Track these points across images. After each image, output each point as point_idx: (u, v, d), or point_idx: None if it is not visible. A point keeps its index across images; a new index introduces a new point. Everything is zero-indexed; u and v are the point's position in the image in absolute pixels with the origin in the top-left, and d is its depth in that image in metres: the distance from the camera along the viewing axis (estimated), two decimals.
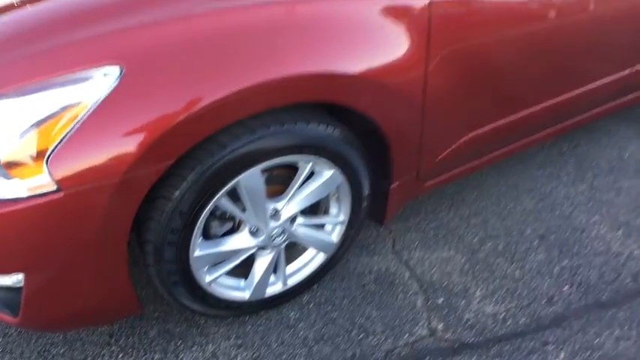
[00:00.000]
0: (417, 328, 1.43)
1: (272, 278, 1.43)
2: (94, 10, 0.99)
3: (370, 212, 1.57)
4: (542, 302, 1.53)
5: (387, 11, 1.17)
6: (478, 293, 1.55)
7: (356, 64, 1.14)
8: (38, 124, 0.92)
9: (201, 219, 1.15)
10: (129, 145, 0.95)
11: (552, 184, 2.06)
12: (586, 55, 1.67)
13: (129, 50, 0.95)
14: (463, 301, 1.52)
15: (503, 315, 1.48)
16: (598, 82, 1.84)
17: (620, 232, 1.82)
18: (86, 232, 1.01)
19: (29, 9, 1.07)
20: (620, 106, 2.13)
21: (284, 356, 1.35)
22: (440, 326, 1.44)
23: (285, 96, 1.08)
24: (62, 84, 0.92)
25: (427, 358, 1.35)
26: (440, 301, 1.52)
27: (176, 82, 0.97)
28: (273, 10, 1.06)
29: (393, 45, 1.19)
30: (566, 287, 1.59)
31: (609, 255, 1.72)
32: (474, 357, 1.34)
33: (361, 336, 1.41)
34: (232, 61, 1.00)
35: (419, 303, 1.52)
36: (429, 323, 1.45)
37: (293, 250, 1.48)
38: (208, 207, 1.14)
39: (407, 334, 1.41)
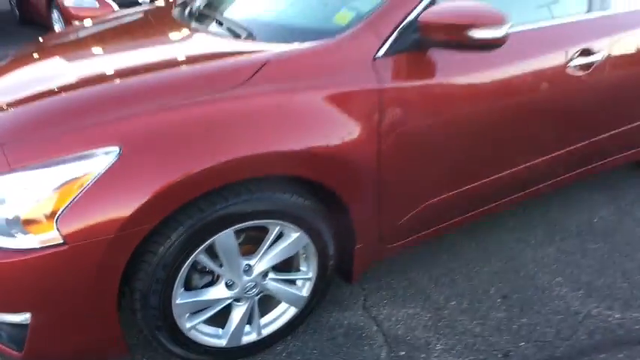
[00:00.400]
0: None
1: (247, 328, 1.61)
2: (101, 101, 1.28)
3: (339, 271, 1.75)
4: (499, 356, 1.65)
5: (342, 98, 1.43)
6: (438, 347, 1.68)
7: (313, 143, 1.39)
8: (53, 190, 1.17)
9: (182, 271, 1.36)
10: (122, 209, 1.19)
11: (520, 246, 2.22)
12: (538, 130, 1.90)
13: (126, 134, 1.22)
14: (423, 355, 1.65)
15: None
16: (552, 154, 2.05)
17: (581, 291, 1.95)
18: (84, 280, 1.23)
19: (56, 97, 1.36)
20: (581, 175, 2.32)
21: None
22: None
23: (251, 170, 1.33)
24: (73, 160, 1.18)
25: None
26: (402, 353, 1.66)
27: (163, 160, 1.22)
28: (246, 101, 1.33)
29: (348, 126, 1.44)
30: (523, 343, 1.71)
31: (568, 313, 1.84)
32: None
33: None
34: (208, 142, 1.26)
35: (383, 355, 1.65)
36: None
37: (268, 302, 1.66)
38: (188, 261, 1.35)
39: None
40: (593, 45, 1.92)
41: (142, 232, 1.24)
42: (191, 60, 1.49)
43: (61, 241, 1.18)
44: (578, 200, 2.60)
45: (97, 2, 5.46)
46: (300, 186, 1.49)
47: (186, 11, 2.04)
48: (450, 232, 2.11)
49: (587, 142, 2.14)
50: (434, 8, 1.46)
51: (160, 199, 1.22)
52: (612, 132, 2.19)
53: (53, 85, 1.44)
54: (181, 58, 1.52)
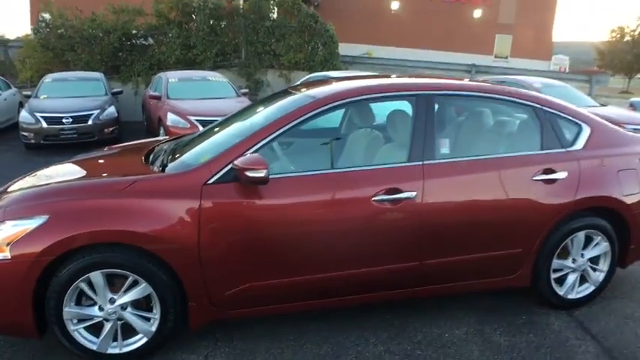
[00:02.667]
0: None
1: (115, 343, 2.51)
2: (51, 192, 2.47)
3: (184, 319, 2.58)
4: None
5: (179, 205, 2.41)
6: None
7: (153, 229, 2.36)
8: (12, 233, 2.33)
9: (69, 290, 2.36)
10: (38, 247, 2.29)
11: (359, 341, 2.77)
12: (339, 246, 2.59)
13: (53, 210, 2.35)
14: None
15: None
16: (365, 270, 2.66)
17: None
18: (17, 280, 2.30)
19: (42, 187, 2.58)
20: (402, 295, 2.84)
21: None
22: None
23: (111, 237, 2.35)
24: (25, 219, 2.34)
25: None
26: None
27: (65, 226, 2.31)
28: (117, 200, 2.39)
29: (179, 223, 2.39)
30: None
31: None
32: None
33: None
34: (90, 219, 2.33)
35: None
36: None
37: (132, 331, 2.54)
38: (73, 285, 2.36)
39: None
40: (402, 185, 2.62)
41: (46, 261, 2.30)
42: (114, 175, 2.66)
43: (9, 257, 2.30)
44: (448, 316, 3.03)
45: (188, 124, 7.36)
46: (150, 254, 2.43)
47: (157, 149, 3.26)
48: (295, 311, 2.80)
49: (394, 265, 2.70)
50: (238, 158, 2.42)
51: (56, 246, 2.29)
52: (433, 260, 2.74)
53: (52, 179, 2.71)
54: (111, 173, 2.69)
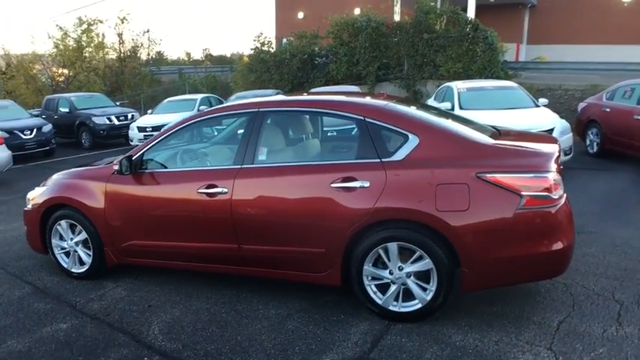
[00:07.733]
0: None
1: (75, 267, 4.22)
2: (63, 175, 4.34)
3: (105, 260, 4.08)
4: (146, 306, 3.57)
5: (97, 186, 3.92)
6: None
7: (83, 199, 3.95)
8: (35, 192, 4.30)
9: (53, 229, 4.19)
10: (39, 201, 4.19)
11: (199, 303, 3.72)
12: (180, 224, 3.61)
13: (50, 183, 4.22)
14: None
15: None
16: (200, 244, 3.58)
17: (167, 332, 3.44)
18: (34, 219, 4.27)
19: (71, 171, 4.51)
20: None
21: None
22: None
23: (64, 201, 4.04)
24: (43, 186, 4.28)
25: None
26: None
27: (52, 192, 4.15)
28: (73, 180, 4.07)
29: (96, 197, 3.91)
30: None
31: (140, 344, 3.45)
32: None
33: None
34: (60, 190, 4.11)
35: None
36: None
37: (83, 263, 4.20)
38: (54, 227, 4.17)
39: None
40: (219, 182, 3.46)
41: (41, 211, 4.18)
42: (85, 167, 4.39)
43: (31, 207, 4.29)
44: (285, 299, 3.60)
45: None
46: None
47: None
48: (177, 268, 3.97)
49: (220, 244, 3.51)
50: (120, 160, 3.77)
51: (45, 202, 4.15)
52: (249, 245, 3.43)
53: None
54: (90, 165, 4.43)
